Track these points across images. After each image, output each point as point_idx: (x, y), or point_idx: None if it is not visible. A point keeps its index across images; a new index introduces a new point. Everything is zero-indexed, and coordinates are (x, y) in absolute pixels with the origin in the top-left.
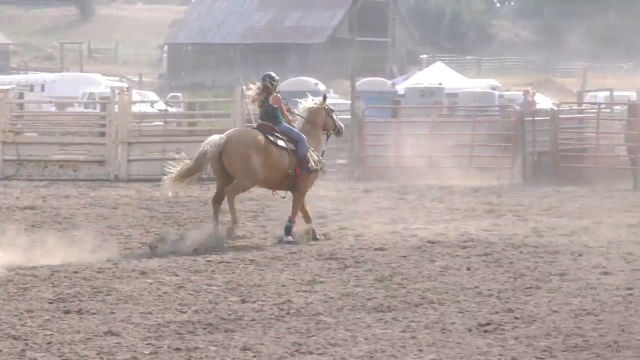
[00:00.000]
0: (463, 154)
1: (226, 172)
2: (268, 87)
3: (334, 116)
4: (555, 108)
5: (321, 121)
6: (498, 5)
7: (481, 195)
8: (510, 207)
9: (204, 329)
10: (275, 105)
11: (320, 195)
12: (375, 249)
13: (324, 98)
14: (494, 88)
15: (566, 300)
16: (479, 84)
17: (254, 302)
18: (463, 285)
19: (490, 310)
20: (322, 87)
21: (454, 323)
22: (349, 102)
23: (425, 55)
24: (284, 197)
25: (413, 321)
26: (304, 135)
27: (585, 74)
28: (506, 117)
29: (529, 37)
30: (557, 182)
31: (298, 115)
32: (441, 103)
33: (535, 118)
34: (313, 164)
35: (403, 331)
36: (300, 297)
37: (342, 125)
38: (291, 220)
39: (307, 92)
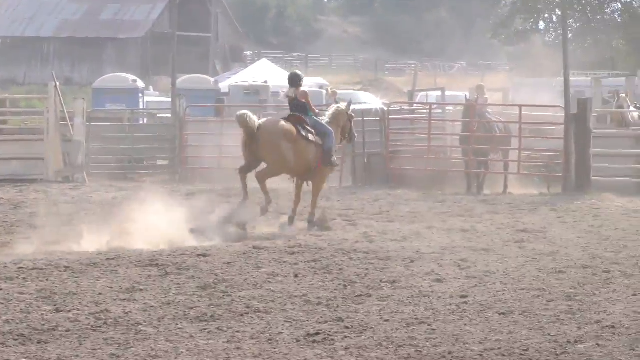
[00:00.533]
0: None
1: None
2: (297, 85)
3: (352, 123)
4: (386, 108)
5: (341, 124)
6: (325, 0)
7: (291, 199)
8: (340, 211)
9: (16, 340)
10: (303, 100)
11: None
12: (198, 255)
13: (349, 104)
14: (321, 87)
15: (398, 308)
16: (306, 83)
17: (69, 311)
18: (291, 293)
19: (319, 319)
20: (140, 84)
21: (281, 333)
22: (170, 100)
23: (249, 52)
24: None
25: (238, 331)
26: (332, 130)
27: (416, 73)
28: None
29: (358, 33)
30: (388, 185)
31: (327, 113)
32: (266, 102)
33: (365, 118)
34: (335, 159)
35: (228, 342)
36: (118, 306)
37: (356, 134)
38: (311, 214)
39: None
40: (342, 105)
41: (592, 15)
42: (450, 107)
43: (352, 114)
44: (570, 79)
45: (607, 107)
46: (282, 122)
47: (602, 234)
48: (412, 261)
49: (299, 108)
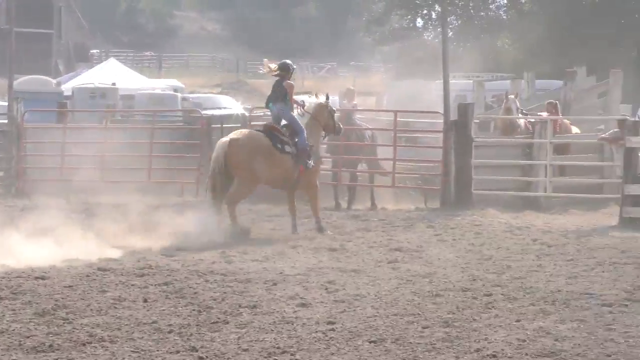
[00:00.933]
0: (140, 165)
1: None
2: (285, 73)
3: (335, 117)
4: (247, 114)
5: (323, 119)
6: None
7: (161, 214)
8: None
9: None
10: (287, 89)
11: None
12: (36, 278)
13: (327, 97)
14: (176, 90)
15: (258, 336)
16: (159, 85)
17: None
18: (139, 320)
19: (170, 349)
20: None
21: None
22: (6, 104)
23: (96, 50)
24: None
25: None
26: (304, 129)
27: None
28: (191, 123)
29: (217, 30)
30: (248, 198)
31: (306, 111)
32: (114, 106)
33: (225, 125)
34: (311, 162)
35: None
36: None
37: (341, 127)
38: (318, 219)
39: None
40: (322, 100)
41: (475, 12)
42: None
43: (333, 108)
44: (451, 81)
45: (490, 113)
46: (255, 136)
47: (483, 253)
48: (274, 283)
49: (279, 95)
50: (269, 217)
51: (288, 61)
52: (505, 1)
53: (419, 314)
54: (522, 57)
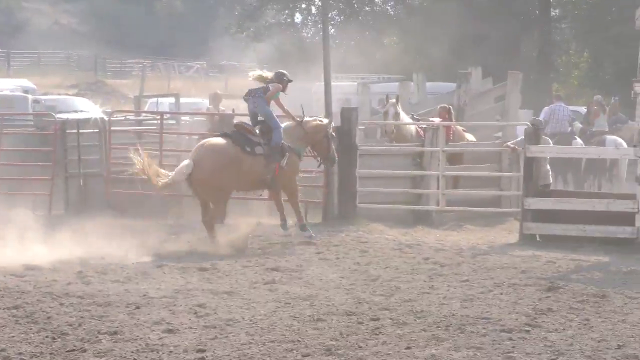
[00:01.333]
0: None
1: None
2: (277, 82)
3: (332, 144)
4: (107, 118)
5: (314, 137)
6: None
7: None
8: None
9: None
10: (270, 87)
11: None
12: None
13: (330, 121)
14: (27, 91)
15: None
16: (7, 85)
17: None
18: None
19: None
20: None
21: None
22: None
23: None
24: (260, 195)
25: None
26: (281, 125)
27: (144, 75)
28: (43, 128)
29: (72, 25)
30: (110, 212)
31: (294, 117)
32: None
33: (82, 130)
34: (285, 160)
35: None
36: None
37: (336, 157)
38: (300, 221)
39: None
40: (324, 120)
41: (359, 7)
42: (187, 117)
43: (333, 134)
44: (333, 83)
45: (376, 118)
46: (219, 149)
47: (370, 273)
48: (137, 307)
49: (259, 91)
50: (131, 232)
51: (284, 71)
52: None
53: (298, 340)
54: (411, 57)
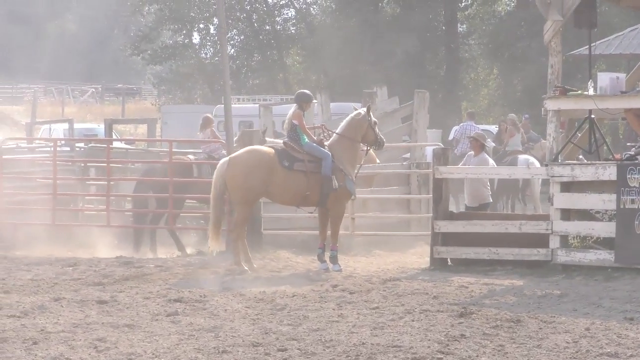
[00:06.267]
0: None
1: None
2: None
3: (376, 129)
4: None
5: (360, 134)
6: None
7: None
8: None
9: None
10: (295, 122)
11: None
12: None
13: (368, 109)
14: None
15: None
16: None
17: None
18: None
19: None
20: None
21: None
22: None
23: None
24: (311, 213)
25: None
26: (329, 154)
27: (36, 100)
28: None
29: None
30: (1, 246)
31: (331, 131)
32: None
33: None
34: (336, 183)
35: None
36: None
37: (383, 139)
38: (333, 249)
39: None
40: (362, 111)
41: (260, 26)
42: (81, 144)
43: (375, 120)
44: (234, 105)
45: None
46: (256, 153)
47: (276, 302)
48: (34, 342)
49: (291, 131)
50: (26, 265)
51: (303, 91)
52: (294, 13)
53: None
54: (314, 77)
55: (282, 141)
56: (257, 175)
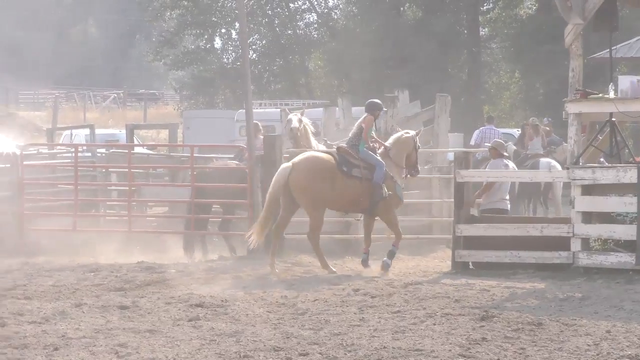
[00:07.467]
0: None
1: (293, 202)
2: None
3: (417, 154)
4: (19, 152)
5: (405, 152)
6: None
7: None
8: None
9: None
10: (363, 125)
11: None
12: None
13: (418, 132)
14: None
15: None
16: None
17: None
18: None
19: None
20: None
21: None
22: None
23: None
24: (358, 220)
25: None
26: (383, 162)
27: (57, 106)
28: None
29: None
30: (24, 251)
31: (382, 143)
32: None
33: None
34: (386, 191)
35: None
36: None
37: (419, 168)
38: (395, 245)
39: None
40: (411, 132)
41: (282, 30)
42: (103, 150)
43: (419, 144)
44: (256, 110)
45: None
46: (317, 158)
47: (298, 306)
48: (55, 349)
49: (356, 133)
50: (48, 271)
51: (376, 100)
52: (316, 18)
53: None
54: (335, 80)
55: (334, 146)
56: (321, 180)
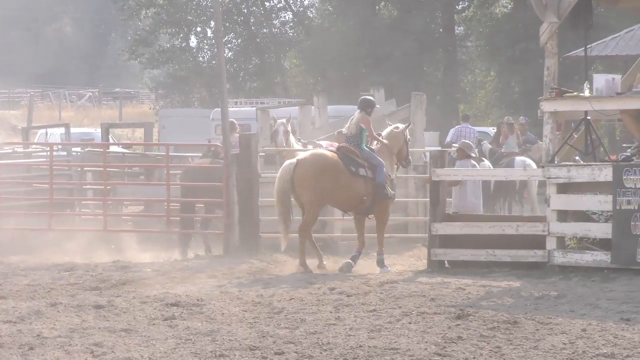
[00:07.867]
0: None
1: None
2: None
3: (408, 147)
4: None
5: (397, 147)
6: None
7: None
8: None
9: None
10: (363, 126)
11: None
12: None
13: (407, 126)
14: None
15: None
16: None
17: None
18: None
19: None
20: None
21: None
22: None
23: None
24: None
25: None
26: (383, 162)
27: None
28: None
29: None
30: (5, 252)
31: (382, 141)
32: None
33: None
34: (390, 191)
35: None
36: None
37: (411, 159)
38: (380, 253)
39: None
40: (400, 126)
41: (258, 29)
42: (78, 148)
43: (409, 137)
44: (231, 109)
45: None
46: (322, 155)
47: (274, 305)
48: (31, 348)
49: (356, 134)
50: (23, 270)
51: (369, 97)
52: (291, 16)
53: None
54: (312, 80)
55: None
56: (326, 177)
